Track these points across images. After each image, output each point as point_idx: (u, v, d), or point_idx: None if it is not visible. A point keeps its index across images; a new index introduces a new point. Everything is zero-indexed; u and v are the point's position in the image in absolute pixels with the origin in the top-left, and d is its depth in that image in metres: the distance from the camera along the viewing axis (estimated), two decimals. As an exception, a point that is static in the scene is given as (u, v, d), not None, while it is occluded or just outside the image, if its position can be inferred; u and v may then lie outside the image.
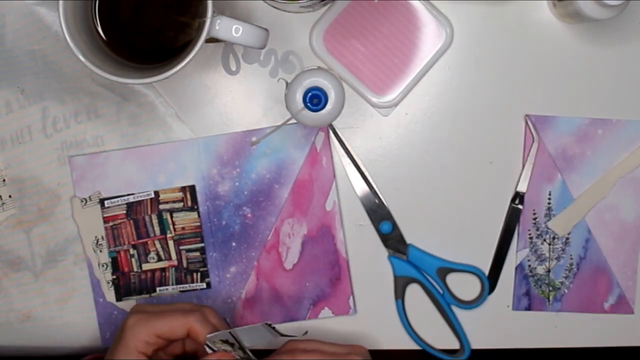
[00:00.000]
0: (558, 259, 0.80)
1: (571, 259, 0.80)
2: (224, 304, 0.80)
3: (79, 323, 0.81)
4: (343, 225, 0.80)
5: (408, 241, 0.80)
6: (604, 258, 0.80)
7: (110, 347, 0.69)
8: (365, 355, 0.73)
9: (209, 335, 0.67)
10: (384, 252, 0.80)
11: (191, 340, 0.69)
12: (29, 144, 0.80)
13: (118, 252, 0.80)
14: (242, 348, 0.68)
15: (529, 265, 0.80)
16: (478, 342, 0.81)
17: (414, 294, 0.80)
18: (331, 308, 0.80)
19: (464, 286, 0.80)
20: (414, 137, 0.80)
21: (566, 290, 0.80)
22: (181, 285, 0.80)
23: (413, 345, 0.81)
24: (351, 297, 0.80)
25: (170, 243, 0.80)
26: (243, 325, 0.79)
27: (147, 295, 0.80)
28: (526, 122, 0.79)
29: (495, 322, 0.81)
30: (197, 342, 0.68)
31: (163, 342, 0.68)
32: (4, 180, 0.80)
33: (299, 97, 0.73)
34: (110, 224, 0.80)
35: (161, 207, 0.80)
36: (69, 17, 0.67)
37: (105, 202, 0.80)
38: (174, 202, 0.80)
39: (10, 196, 0.80)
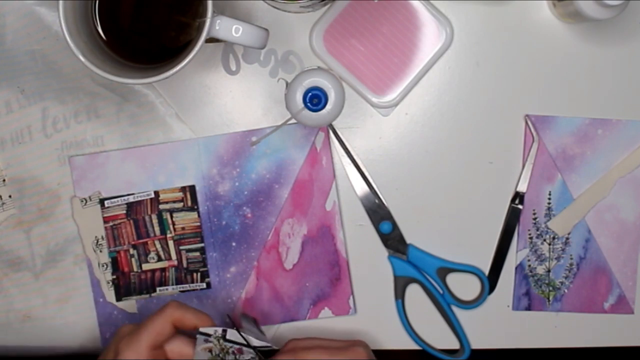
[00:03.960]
0: (558, 259, 0.80)
1: (571, 259, 0.80)
2: (224, 304, 0.80)
3: (79, 323, 0.81)
4: (343, 225, 0.80)
5: (408, 241, 0.80)
6: (604, 258, 0.80)
7: None
8: (366, 348, 0.73)
9: (202, 329, 0.67)
10: (384, 252, 0.80)
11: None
12: (29, 144, 0.80)
13: (118, 252, 0.80)
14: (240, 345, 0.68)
15: (529, 265, 0.80)
16: (478, 342, 0.81)
17: (414, 294, 0.80)
18: (331, 308, 0.80)
19: (464, 286, 0.80)
20: (414, 137, 0.80)
21: (566, 290, 0.80)
22: (181, 285, 0.80)
23: (413, 345, 0.81)
24: (351, 297, 0.80)
25: (170, 243, 0.80)
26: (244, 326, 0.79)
27: (147, 296, 0.80)
28: (526, 122, 0.79)
29: (495, 322, 0.81)
30: (187, 330, 0.68)
31: (161, 352, 0.67)
32: (4, 180, 0.80)
33: (299, 97, 0.73)
34: (110, 224, 0.80)
35: (161, 207, 0.80)
36: (69, 17, 0.67)
37: (105, 202, 0.80)
38: (174, 202, 0.80)
39: (10, 196, 0.80)
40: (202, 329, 0.67)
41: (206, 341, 0.68)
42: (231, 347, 0.68)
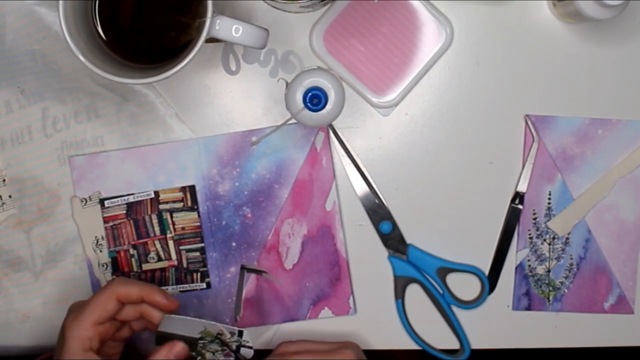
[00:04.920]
0: (558, 259, 0.80)
1: (571, 259, 0.80)
2: (224, 304, 0.80)
3: (79, 323, 0.81)
4: (343, 225, 0.80)
5: (408, 241, 0.80)
6: (604, 258, 0.80)
7: (55, 354, 0.69)
8: (356, 349, 0.73)
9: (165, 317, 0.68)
10: (384, 252, 0.80)
11: (137, 321, 0.70)
12: (29, 144, 0.80)
13: (118, 252, 0.80)
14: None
15: (529, 265, 0.80)
16: (478, 342, 0.81)
17: (414, 294, 0.80)
18: (331, 308, 0.80)
19: (464, 286, 0.80)
20: (414, 137, 0.80)
21: (566, 290, 0.80)
22: (181, 285, 0.80)
23: (413, 345, 0.81)
24: (351, 297, 0.80)
25: (170, 243, 0.80)
26: (243, 325, 0.79)
27: (147, 295, 0.80)
28: (526, 122, 0.79)
29: (495, 322, 0.81)
30: (134, 309, 0.68)
31: (105, 327, 0.67)
32: (4, 180, 0.80)
33: (299, 97, 0.73)
34: (110, 224, 0.80)
35: (161, 207, 0.80)
36: (69, 17, 0.67)
37: (105, 202, 0.80)
38: (174, 202, 0.80)
39: (10, 196, 0.80)
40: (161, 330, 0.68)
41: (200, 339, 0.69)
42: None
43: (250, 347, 0.69)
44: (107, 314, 0.67)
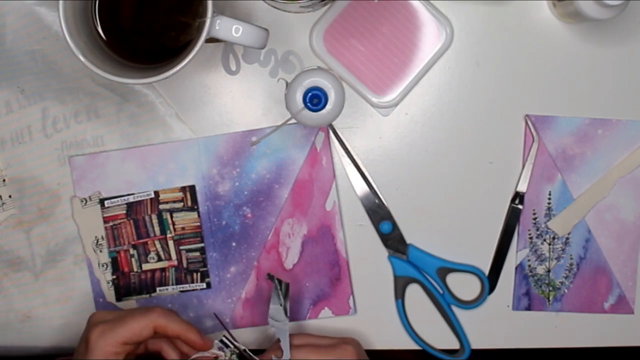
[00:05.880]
0: (558, 259, 0.80)
1: (571, 259, 0.80)
2: (224, 304, 0.80)
3: (79, 323, 0.81)
4: (343, 225, 0.80)
5: (408, 241, 0.80)
6: (604, 258, 0.80)
7: (75, 355, 0.69)
8: (357, 346, 0.73)
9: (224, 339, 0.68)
10: (384, 252, 0.80)
11: (153, 340, 0.70)
12: (29, 144, 0.80)
13: (118, 252, 0.80)
14: (237, 348, 0.68)
15: (529, 265, 0.80)
16: (478, 342, 0.81)
17: (414, 294, 0.80)
18: (331, 308, 0.80)
19: (464, 286, 0.80)
20: (414, 137, 0.80)
21: (566, 290, 0.80)
22: (181, 285, 0.80)
23: (413, 345, 0.81)
24: (351, 297, 0.80)
25: (170, 243, 0.80)
26: (243, 326, 0.79)
27: (147, 296, 0.80)
28: (526, 122, 0.79)
29: (495, 322, 0.81)
30: (165, 338, 0.69)
31: (131, 347, 0.67)
32: (4, 180, 0.80)
33: (299, 97, 0.73)
34: (110, 224, 0.80)
35: (161, 207, 0.80)
36: (69, 17, 0.67)
37: (105, 202, 0.80)
38: (174, 202, 0.80)
39: (10, 196, 0.80)
40: (224, 339, 0.69)
41: (220, 349, 0.68)
42: None
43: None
44: (139, 339, 0.67)
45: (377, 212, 0.80)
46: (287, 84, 0.74)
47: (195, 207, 0.80)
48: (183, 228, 0.80)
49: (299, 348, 0.71)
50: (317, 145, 0.79)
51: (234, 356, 0.69)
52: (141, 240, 0.80)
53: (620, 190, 0.80)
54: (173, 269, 0.80)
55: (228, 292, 0.80)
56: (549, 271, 0.80)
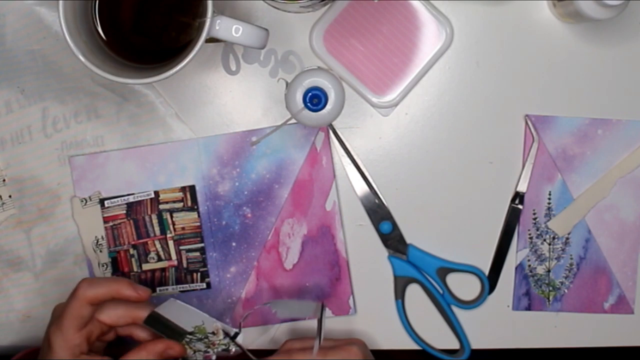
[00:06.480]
0: (558, 259, 0.80)
1: (571, 259, 0.80)
2: (224, 304, 0.80)
3: (79, 323, 0.81)
4: (343, 225, 0.80)
5: (408, 241, 0.80)
6: (604, 258, 0.80)
7: (40, 356, 0.69)
8: (363, 347, 0.73)
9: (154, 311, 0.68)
10: (384, 252, 0.80)
11: (121, 327, 0.70)
12: (29, 144, 0.80)
13: (118, 252, 0.80)
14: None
15: (529, 265, 0.80)
16: (478, 342, 0.81)
17: (414, 294, 0.80)
18: (331, 308, 0.80)
19: (464, 286, 0.80)
20: (414, 137, 0.80)
21: (566, 290, 0.80)
22: (181, 285, 0.80)
23: (413, 345, 0.81)
24: (351, 297, 0.80)
25: (170, 243, 0.80)
26: (244, 326, 0.79)
27: (147, 295, 0.80)
28: (526, 122, 0.79)
29: (495, 322, 0.81)
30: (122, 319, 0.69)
31: (88, 329, 0.68)
32: (4, 180, 0.80)
33: (299, 97, 0.73)
34: (110, 224, 0.80)
35: (161, 207, 0.80)
36: (69, 17, 0.67)
37: (105, 202, 0.80)
38: (174, 202, 0.80)
39: (10, 196, 0.80)
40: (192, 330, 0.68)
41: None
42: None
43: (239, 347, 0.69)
44: (85, 320, 0.67)
45: (377, 212, 0.80)
46: (287, 84, 0.74)
47: (195, 207, 0.80)
48: (183, 228, 0.80)
49: (304, 351, 0.71)
50: (317, 145, 0.79)
51: (227, 340, 0.69)
52: (141, 240, 0.80)
53: (620, 190, 0.80)
54: (173, 269, 0.80)
55: (228, 292, 0.80)
56: (549, 271, 0.80)
